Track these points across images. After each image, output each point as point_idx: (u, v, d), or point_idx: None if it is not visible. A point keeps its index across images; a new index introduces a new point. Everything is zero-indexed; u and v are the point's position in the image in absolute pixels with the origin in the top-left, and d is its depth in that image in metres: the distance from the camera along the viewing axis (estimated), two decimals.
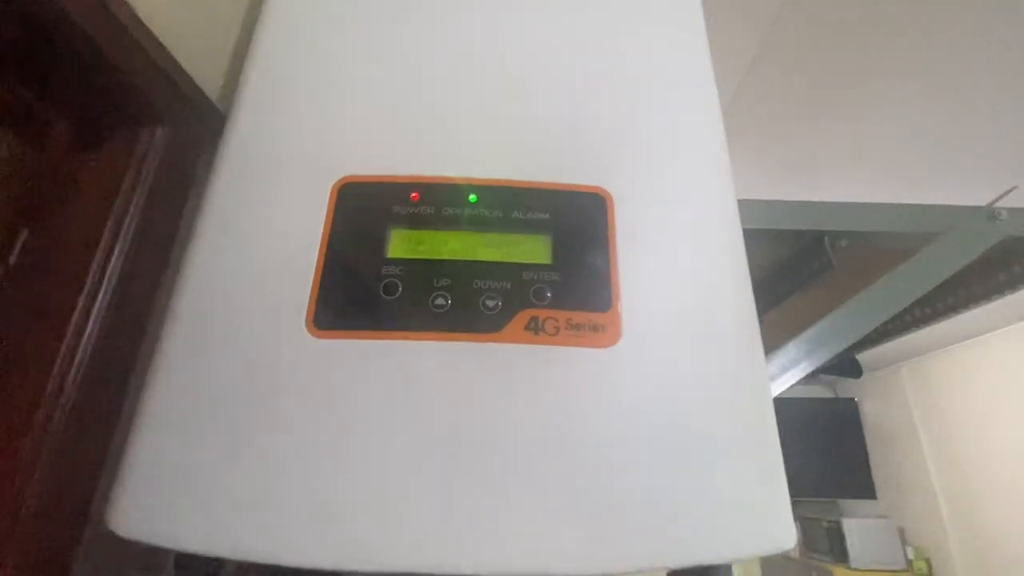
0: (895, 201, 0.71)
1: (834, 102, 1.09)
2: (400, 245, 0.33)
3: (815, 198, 0.73)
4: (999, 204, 0.67)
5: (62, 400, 0.37)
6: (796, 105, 1.10)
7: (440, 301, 0.31)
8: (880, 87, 1.04)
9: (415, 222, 0.33)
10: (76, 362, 0.39)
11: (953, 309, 0.81)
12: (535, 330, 0.30)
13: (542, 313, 0.31)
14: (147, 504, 0.27)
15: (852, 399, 3.11)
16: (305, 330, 0.30)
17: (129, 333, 0.42)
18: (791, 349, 0.68)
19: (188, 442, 0.28)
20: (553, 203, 0.34)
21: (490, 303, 0.31)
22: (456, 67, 0.39)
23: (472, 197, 0.34)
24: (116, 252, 0.42)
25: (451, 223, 0.33)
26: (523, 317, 0.31)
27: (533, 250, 0.33)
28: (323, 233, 0.33)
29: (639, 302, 0.32)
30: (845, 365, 1.12)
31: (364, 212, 0.33)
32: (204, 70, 0.47)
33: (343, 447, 0.28)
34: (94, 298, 0.41)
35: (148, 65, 0.42)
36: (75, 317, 0.39)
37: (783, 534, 0.28)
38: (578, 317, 0.31)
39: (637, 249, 0.34)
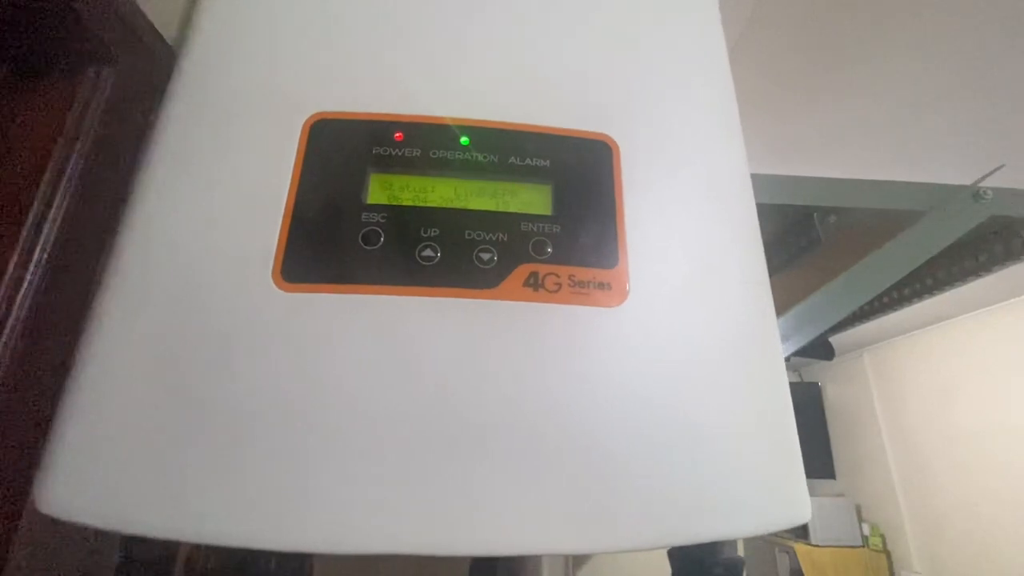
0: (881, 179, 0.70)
1: (821, 80, 1.09)
2: (381, 190, 0.29)
3: (801, 174, 0.72)
4: (985, 183, 0.67)
5: None
6: (783, 83, 1.09)
7: (428, 253, 0.27)
8: (868, 65, 1.04)
9: (398, 165, 0.29)
10: (8, 328, 0.34)
11: (931, 290, 0.81)
12: (535, 286, 0.27)
13: (542, 268, 0.28)
14: (81, 479, 0.23)
15: (816, 383, 3.22)
16: (272, 282, 0.26)
17: (71, 296, 0.37)
18: (778, 327, 0.67)
19: (132, 409, 0.24)
20: (555, 149, 0.31)
21: (485, 256, 0.28)
22: None
23: (464, 139, 0.30)
24: (55, 206, 0.37)
25: (440, 168, 0.30)
26: (521, 272, 0.28)
27: (532, 200, 0.30)
28: (293, 175, 0.29)
29: (647, 259, 0.29)
30: (819, 347, 1.14)
31: (340, 153, 0.29)
32: (158, 5, 0.42)
33: (315, 415, 0.24)
34: (29, 257, 0.36)
35: None
36: (6, 280, 0.34)
37: (799, 507, 0.26)
38: (582, 273, 0.28)
39: (645, 202, 0.31)
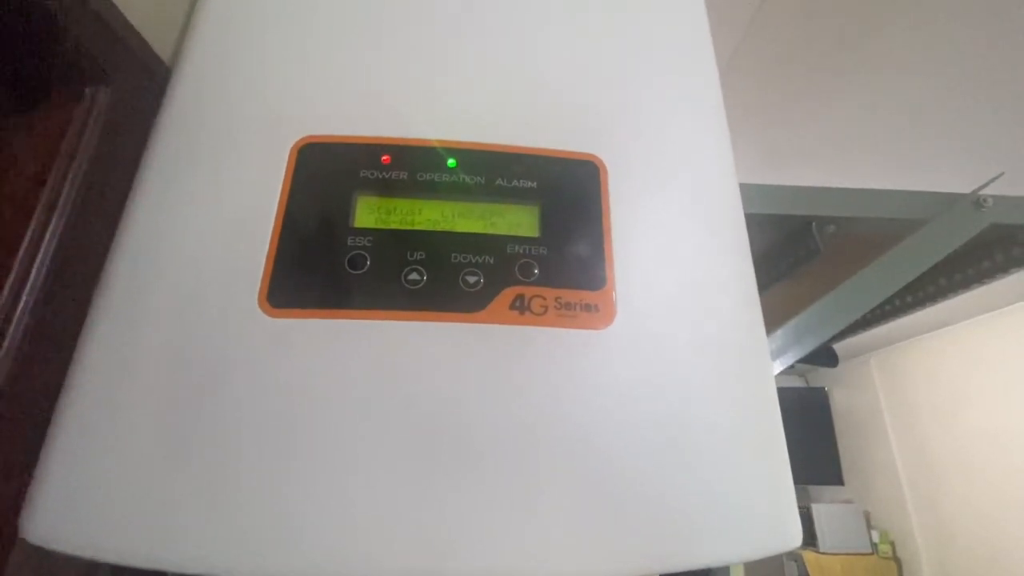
0: (880, 188, 0.70)
1: (819, 87, 1.08)
2: (368, 214, 0.29)
3: (799, 183, 0.72)
4: (985, 191, 0.66)
5: None
6: (780, 90, 1.09)
7: (414, 276, 0.27)
8: (866, 72, 1.04)
9: (385, 188, 0.29)
10: (2, 352, 0.34)
11: (933, 298, 0.81)
12: (521, 309, 0.27)
13: (529, 291, 0.28)
14: (69, 508, 0.23)
15: (822, 388, 3.19)
16: (258, 308, 0.26)
17: (65, 319, 0.38)
18: (777, 338, 0.67)
19: (119, 437, 0.24)
20: (541, 170, 0.31)
21: (471, 279, 0.28)
22: (434, 18, 0.35)
23: (451, 162, 0.30)
24: (51, 228, 0.37)
25: (426, 190, 0.30)
26: (508, 295, 0.28)
27: (519, 221, 0.30)
28: (280, 199, 0.29)
29: (635, 280, 0.29)
30: (823, 354, 1.13)
31: (327, 176, 0.29)
32: (154, 25, 0.42)
33: (303, 442, 0.24)
34: (25, 279, 0.36)
35: (90, 18, 0.37)
36: (1, 303, 0.35)
37: (790, 531, 0.26)
38: (568, 295, 0.28)
39: (632, 223, 0.30)
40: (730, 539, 0.25)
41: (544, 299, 0.28)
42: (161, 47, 0.42)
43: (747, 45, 1.00)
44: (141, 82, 0.42)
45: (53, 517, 0.23)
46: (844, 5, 0.91)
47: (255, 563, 0.23)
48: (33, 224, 0.37)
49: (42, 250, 0.36)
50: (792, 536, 0.26)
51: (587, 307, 0.28)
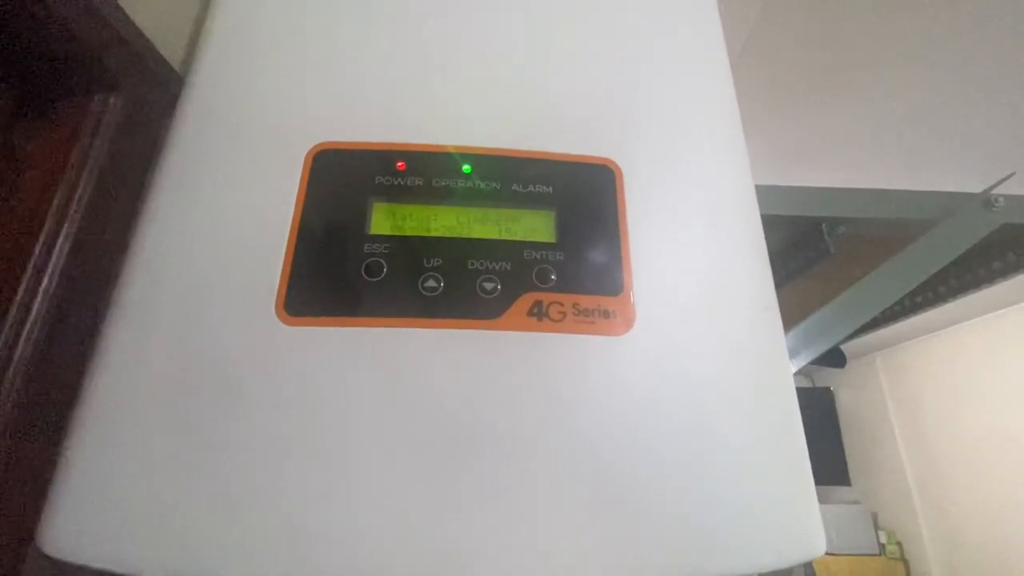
0: (891, 187, 0.70)
1: (829, 86, 1.08)
2: (384, 220, 0.29)
3: (809, 184, 0.71)
4: (996, 191, 0.66)
5: None
6: (791, 89, 1.09)
7: (431, 283, 0.27)
8: (877, 71, 1.03)
9: (401, 195, 0.29)
10: (15, 361, 0.34)
11: (944, 298, 0.80)
12: (539, 316, 0.27)
13: (546, 297, 0.27)
14: (86, 520, 0.23)
15: (828, 388, 3.18)
16: (275, 316, 0.26)
17: (78, 329, 0.37)
18: (788, 340, 0.66)
19: (136, 448, 0.24)
20: (557, 175, 0.31)
21: (488, 286, 0.27)
22: (448, 23, 0.35)
23: (466, 167, 0.30)
24: (63, 236, 0.37)
25: (442, 196, 0.29)
26: (525, 301, 0.27)
27: (535, 227, 0.29)
28: (295, 207, 0.29)
29: (653, 285, 0.29)
30: (831, 355, 1.12)
31: (342, 183, 0.29)
32: (164, 32, 0.42)
33: (319, 451, 0.24)
34: (35, 290, 0.36)
35: (101, 26, 0.37)
36: (13, 311, 0.34)
37: (814, 540, 0.26)
38: (586, 301, 0.28)
39: (649, 227, 0.30)
40: (753, 549, 0.25)
41: (562, 305, 0.27)
42: (171, 54, 0.42)
43: (754, 43, 1.00)
44: (151, 89, 0.42)
45: (70, 528, 0.23)
46: (857, 4, 0.90)
47: (272, 574, 0.22)
48: (45, 229, 0.36)
49: (54, 255, 0.36)
50: (816, 545, 0.25)
51: (605, 313, 0.27)
